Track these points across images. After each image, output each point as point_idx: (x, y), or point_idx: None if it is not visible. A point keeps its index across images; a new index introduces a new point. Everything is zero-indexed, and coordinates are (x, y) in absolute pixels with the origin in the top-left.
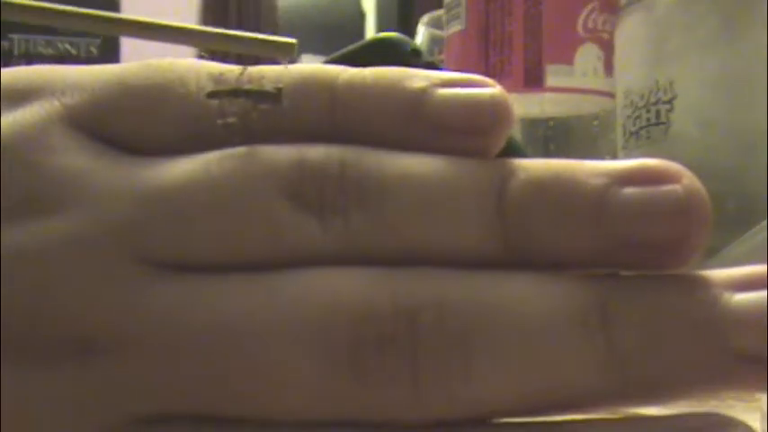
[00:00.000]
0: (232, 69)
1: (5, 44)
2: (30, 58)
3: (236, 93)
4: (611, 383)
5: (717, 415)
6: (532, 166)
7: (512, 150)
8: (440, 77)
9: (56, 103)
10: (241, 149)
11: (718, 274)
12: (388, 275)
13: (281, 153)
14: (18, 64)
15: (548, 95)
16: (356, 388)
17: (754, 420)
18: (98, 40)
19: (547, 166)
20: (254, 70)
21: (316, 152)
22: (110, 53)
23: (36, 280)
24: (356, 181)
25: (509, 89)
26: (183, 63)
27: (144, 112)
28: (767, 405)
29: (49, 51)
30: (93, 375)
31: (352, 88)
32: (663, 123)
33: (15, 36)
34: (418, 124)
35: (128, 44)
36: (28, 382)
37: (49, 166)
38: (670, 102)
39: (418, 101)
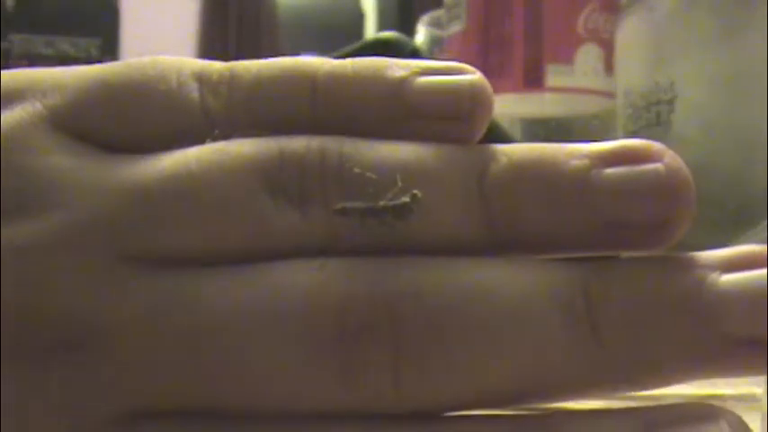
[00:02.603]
0: (213, 66)
1: (5, 44)
2: (30, 59)
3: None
4: (595, 369)
5: (704, 405)
6: (514, 149)
7: (498, 137)
8: (420, 66)
9: (38, 105)
10: (221, 143)
11: (705, 255)
12: (367, 265)
13: (261, 145)
14: (18, 64)
15: (548, 95)
16: (339, 378)
17: (754, 421)
18: (98, 41)
19: (529, 149)
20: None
21: (296, 143)
22: (110, 53)
23: (21, 280)
24: (336, 170)
25: (509, 89)
26: (165, 60)
27: (125, 111)
28: (767, 405)
29: (49, 51)
30: (81, 372)
31: (333, 79)
32: (663, 124)
33: (15, 36)
34: (399, 112)
35: (128, 45)
36: (18, 381)
37: (32, 168)
38: (670, 102)
39: (399, 89)
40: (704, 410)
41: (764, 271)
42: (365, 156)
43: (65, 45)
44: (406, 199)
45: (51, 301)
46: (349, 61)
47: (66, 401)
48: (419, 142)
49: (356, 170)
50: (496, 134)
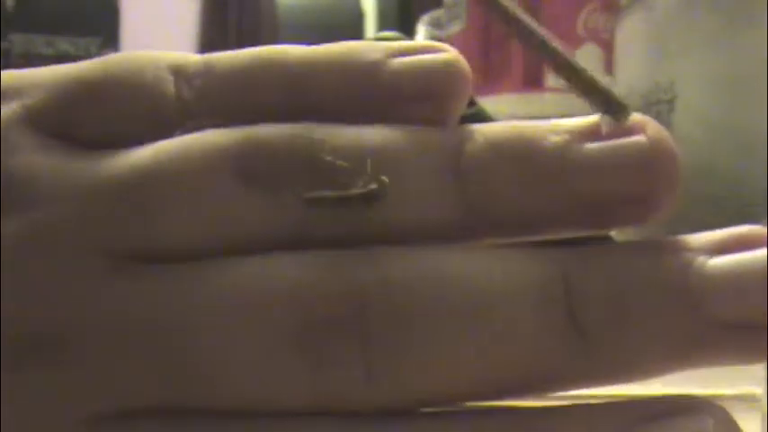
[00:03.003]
0: (189, 58)
1: (5, 44)
2: (29, 58)
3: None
4: (575, 359)
5: (686, 399)
6: (492, 128)
7: (482, 121)
8: (394, 47)
9: (14, 104)
10: (192, 135)
11: (694, 237)
12: (337, 257)
13: (232, 134)
14: (18, 64)
15: (548, 95)
16: (308, 373)
17: (754, 420)
18: (98, 40)
19: (506, 128)
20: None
21: (266, 131)
22: (109, 53)
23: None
24: (307, 158)
25: (509, 89)
26: (141, 55)
27: (101, 107)
28: (767, 405)
29: (49, 51)
30: (61, 372)
31: (306, 65)
32: (663, 124)
33: (15, 36)
34: (374, 95)
35: (128, 45)
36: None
37: (9, 167)
38: (670, 102)
39: (373, 72)
40: (690, 405)
41: (762, 252)
42: (336, 142)
43: (65, 45)
44: (374, 186)
45: (28, 301)
46: (322, 46)
47: (47, 401)
48: (393, 126)
49: (327, 158)
50: (479, 116)
